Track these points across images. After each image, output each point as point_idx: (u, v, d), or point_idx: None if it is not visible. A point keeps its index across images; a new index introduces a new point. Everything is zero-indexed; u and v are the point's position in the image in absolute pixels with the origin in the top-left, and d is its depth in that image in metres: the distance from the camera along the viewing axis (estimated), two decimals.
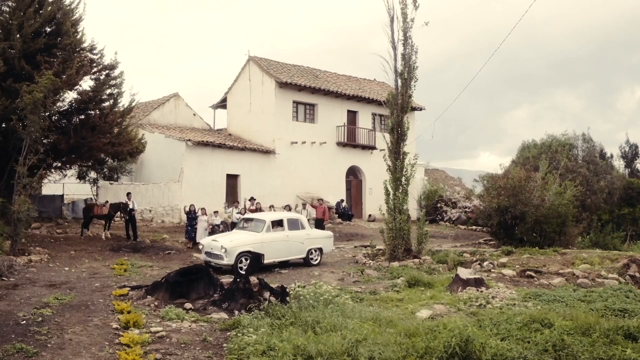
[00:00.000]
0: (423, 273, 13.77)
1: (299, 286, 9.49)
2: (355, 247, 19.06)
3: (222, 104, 29.77)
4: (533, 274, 14.23)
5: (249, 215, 16.55)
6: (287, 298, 9.49)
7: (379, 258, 16.04)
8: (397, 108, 16.24)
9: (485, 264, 15.16)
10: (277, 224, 14.81)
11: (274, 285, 10.96)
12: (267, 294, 10.31)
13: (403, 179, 15.95)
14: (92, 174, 24.73)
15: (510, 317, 8.35)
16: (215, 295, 10.62)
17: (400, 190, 15.84)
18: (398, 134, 16.17)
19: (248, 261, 13.72)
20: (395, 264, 14.93)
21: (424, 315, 9.71)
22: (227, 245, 13.63)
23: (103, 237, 18.70)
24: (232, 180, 24.74)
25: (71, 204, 22.49)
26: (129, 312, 9.38)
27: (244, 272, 13.01)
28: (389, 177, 16.18)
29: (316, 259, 15.26)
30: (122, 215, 18.78)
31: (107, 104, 20.12)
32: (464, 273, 12.53)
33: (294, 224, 15.11)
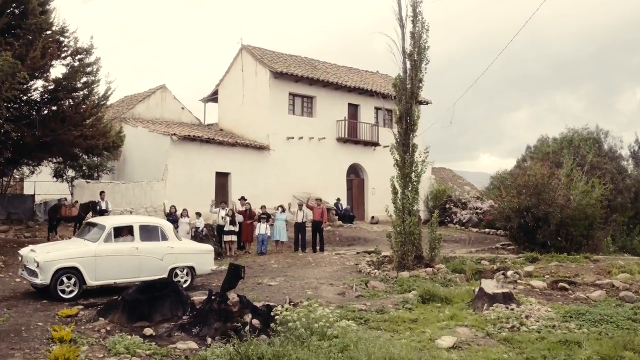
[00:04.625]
0: (438, 285, 11.72)
1: (287, 309, 7.35)
2: (357, 253, 16.91)
3: (214, 97, 27.71)
4: (566, 285, 12.24)
5: (95, 219, 12.99)
6: (273, 324, 7.39)
7: (385, 266, 13.93)
8: (405, 94, 14.15)
9: (509, 273, 13.08)
10: (124, 231, 11.17)
11: (258, 304, 8.90)
12: (248, 316, 8.24)
13: (413, 175, 13.85)
14: (70, 172, 22.73)
15: (571, 355, 6.21)
16: (185, 317, 8.54)
17: (409, 188, 13.74)
18: (407, 124, 14.07)
19: (73, 280, 10.30)
20: (405, 273, 12.82)
21: (446, 343, 7.69)
22: (41, 259, 10.11)
23: None
24: (222, 179, 22.67)
25: (43, 204, 20.43)
26: (70, 341, 7.29)
27: (66, 297, 10.07)
28: (396, 174, 14.09)
29: (185, 281, 11.40)
30: (93, 216, 16.71)
31: (80, 93, 18.09)
32: (489, 286, 10.44)
33: (151, 233, 11.37)
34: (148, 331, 8.01)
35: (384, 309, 9.67)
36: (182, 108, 26.81)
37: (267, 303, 9.22)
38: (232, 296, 8.64)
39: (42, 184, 22.11)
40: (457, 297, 10.71)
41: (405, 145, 14.00)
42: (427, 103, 28.75)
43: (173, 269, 11.36)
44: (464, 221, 24.91)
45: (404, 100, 14.15)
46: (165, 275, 11.08)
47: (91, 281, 10.49)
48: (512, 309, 9.73)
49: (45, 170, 22.02)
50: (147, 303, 8.51)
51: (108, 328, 8.13)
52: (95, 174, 23.18)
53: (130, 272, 10.75)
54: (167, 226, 11.96)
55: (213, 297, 8.44)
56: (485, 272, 14.10)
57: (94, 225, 11.61)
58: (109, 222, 11.40)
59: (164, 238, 11.48)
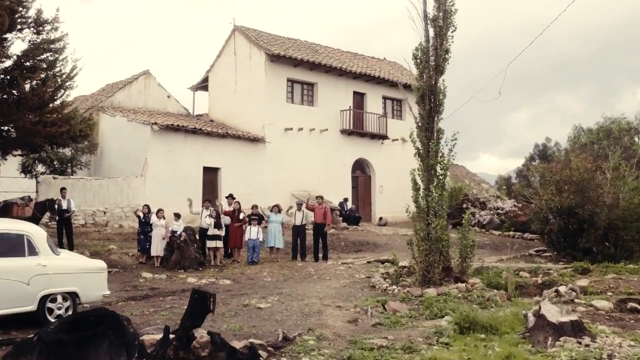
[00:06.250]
0: (476, 307, 9.09)
1: None
2: (368, 262, 14.23)
3: (204, 84, 25.09)
4: (638, 306, 9.60)
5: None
6: None
7: (405, 280, 11.26)
8: (428, 67, 11.47)
9: (562, 290, 10.41)
10: None
11: (239, 343, 6.27)
12: None
13: (438, 168, 11.20)
14: (40, 167, 20.19)
15: None
16: None
17: (435, 184, 11.09)
18: (431, 104, 11.38)
19: None
20: (431, 290, 10.15)
21: None
22: None
23: None
24: (210, 175, 20.16)
25: (3, 202, 17.78)
26: None
27: None
28: (417, 165, 11.45)
29: (62, 314, 8.12)
30: (51, 216, 14.12)
31: (43, 74, 15.48)
32: (551, 312, 7.77)
33: (12, 246, 8.03)
34: None
35: (412, 346, 7.08)
36: (168, 96, 24.17)
37: (250, 341, 6.60)
38: (201, 334, 5.99)
39: (4, 180, 19.53)
40: (504, 325, 8.11)
41: (428, 131, 11.32)
42: None
43: (45, 296, 8.03)
44: (484, 223, 22.22)
45: (427, 75, 11.48)
46: (33, 307, 7.88)
47: None
48: (587, 345, 7.13)
49: (11, 165, 19.46)
50: (75, 345, 5.84)
51: None
52: (69, 169, 20.63)
53: None
54: (38, 235, 8.39)
55: (171, 338, 5.80)
56: (528, 286, 11.53)
57: None
58: None
59: (32, 252, 8.09)
